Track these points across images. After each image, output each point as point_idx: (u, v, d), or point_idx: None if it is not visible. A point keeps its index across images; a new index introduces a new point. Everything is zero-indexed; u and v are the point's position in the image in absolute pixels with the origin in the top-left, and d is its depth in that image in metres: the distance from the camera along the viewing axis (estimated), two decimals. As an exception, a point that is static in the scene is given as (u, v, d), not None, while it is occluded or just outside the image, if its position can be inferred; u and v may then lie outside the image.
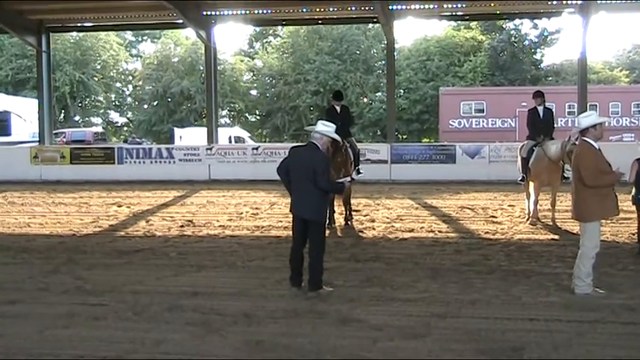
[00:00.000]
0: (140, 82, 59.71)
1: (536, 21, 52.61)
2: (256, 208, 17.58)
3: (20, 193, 21.84)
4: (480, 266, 10.54)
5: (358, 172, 15.23)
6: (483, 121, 43.16)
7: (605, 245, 11.92)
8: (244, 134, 44.68)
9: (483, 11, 28.70)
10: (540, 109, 14.82)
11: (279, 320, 7.81)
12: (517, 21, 52.91)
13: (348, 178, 9.51)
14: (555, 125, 15.17)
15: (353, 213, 15.20)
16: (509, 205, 17.26)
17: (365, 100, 54.50)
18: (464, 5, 26.89)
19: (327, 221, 13.77)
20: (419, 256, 11.45)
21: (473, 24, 54.76)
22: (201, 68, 45.16)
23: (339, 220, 14.77)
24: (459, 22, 50.48)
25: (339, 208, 14.78)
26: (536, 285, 9.24)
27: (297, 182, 8.98)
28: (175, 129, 45.51)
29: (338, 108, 14.91)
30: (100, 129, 54.34)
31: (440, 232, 13.87)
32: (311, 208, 8.87)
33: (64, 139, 42.90)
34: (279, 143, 42.83)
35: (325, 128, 9.17)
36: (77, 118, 59.17)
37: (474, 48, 55.07)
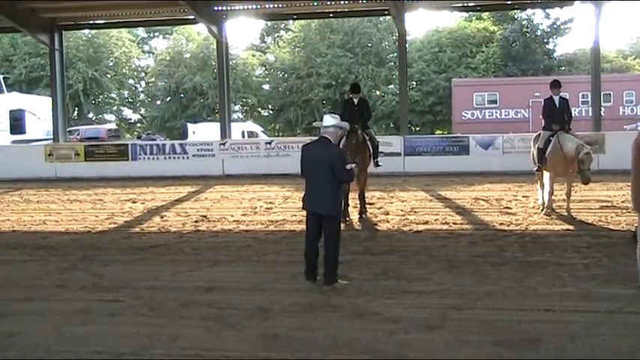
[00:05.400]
0: (153, 79, 59.83)
1: (548, 10, 52.37)
2: (270, 203, 17.60)
3: (35, 191, 21.97)
4: (494, 257, 10.51)
5: (377, 165, 15.25)
6: (496, 112, 43.03)
7: (621, 235, 11.91)
8: (257, 129, 44.70)
9: (495, 1, 28.65)
10: (556, 98, 14.70)
11: (295, 314, 7.82)
12: (529, 11, 52.70)
13: (353, 165, 9.48)
14: (572, 115, 15.08)
15: (367, 206, 15.19)
16: (524, 196, 17.21)
17: (377, 92, 54.36)
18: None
19: (343, 215, 13.94)
20: (433, 248, 11.44)
21: (484, 15, 54.49)
22: (214, 63, 45.13)
23: (353, 213, 14.76)
24: (471, 13, 50.23)
25: (353, 202, 14.78)
26: (551, 276, 9.20)
27: (312, 178, 9.03)
28: (188, 125, 45.55)
29: (355, 100, 14.88)
30: (113, 126, 54.43)
31: (454, 223, 13.84)
32: (326, 203, 8.90)
33: (78, 137, 43.04)
34: (292, 137, 42.77)
35: (333, 120, 9.22)
36: (91, 115, 59.33)
37: (486, 39, 54.84)
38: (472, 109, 43.33)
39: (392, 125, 52.05)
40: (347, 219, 14.08)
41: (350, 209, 14.59)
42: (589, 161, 13.35)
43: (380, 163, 15.42)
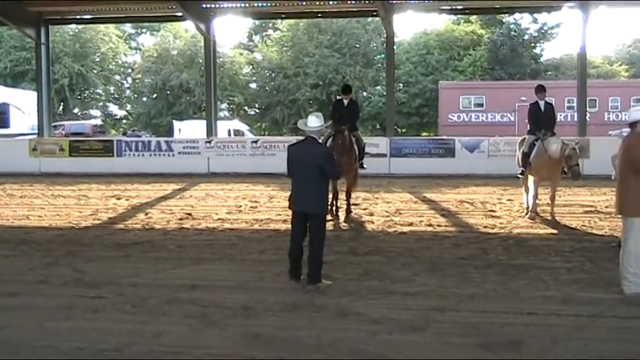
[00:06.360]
0: (139, 75, 59.56)
1: (536, 15, 52.64)
2: (255, 202, 17.59)
3: (19, 186, 21.83)
4: (478, 260, 10.55)
5: (362, 167, 15.30)
6: (483, 115, 43.18)
7: (604, 240, 11.98)
8: (243, 127, 44.61)
9: (483, 5, 28.77)
10: (542, 103, 14.80)
11: (278, 313, 7.82)
12: (517, 15, 52.99)
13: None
14: (556, 119, 15.17)
15: (352, 207, 15.22)
16: (508, 200, 17.27)
17: (364, 93, 54.38)
18: (463, -1, 26.93)
19: (334, 212, 14.14)
20: (418, 249, 11.47)
21: (472, 18, 54.66)
22: (201, 61, 45.02)
23: (339, 213, 14.80)
24: (459, 15, 50.43)
25: (340, 202, 14.83)
26: (534, 279, 9.25)
27: (299, 177, 9.04)
28: (174, 122, 45.35)
29: (345, 101, 15.05)
30: (99, 121, 54.06)
31: (439, 225, 13.88)
32: (313, 202, 8.93)
33: (63, 132, 42.82)
34: (278, 137, 42.73)
35: (318, 121, 9.23)
36: (76, 110, 58.98)
37: (473, 42, 54.98)
38: (458, 111, 43.48)
39: (378, 126, 52.08)
40: (335, 215, 14.39)
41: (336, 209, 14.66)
42: (576, 157, 13.48)
43: (365, 166, 15.48)
